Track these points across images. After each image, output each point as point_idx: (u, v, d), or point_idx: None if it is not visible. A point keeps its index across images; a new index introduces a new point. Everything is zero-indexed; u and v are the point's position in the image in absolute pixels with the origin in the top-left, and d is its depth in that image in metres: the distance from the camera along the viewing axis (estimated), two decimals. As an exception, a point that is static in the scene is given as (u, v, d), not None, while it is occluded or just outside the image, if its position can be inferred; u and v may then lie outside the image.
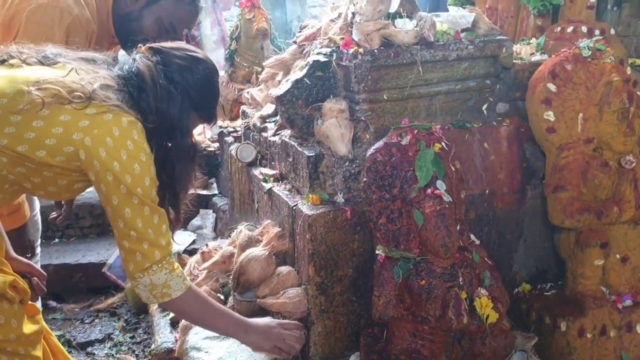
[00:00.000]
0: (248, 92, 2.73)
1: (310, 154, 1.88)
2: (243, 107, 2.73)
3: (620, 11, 2.38)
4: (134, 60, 1.48)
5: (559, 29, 2.21)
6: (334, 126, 1.88)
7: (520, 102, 2.05)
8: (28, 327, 1.45)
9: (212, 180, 3.46)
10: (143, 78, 1.44)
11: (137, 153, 1.38)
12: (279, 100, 2.01)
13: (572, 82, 1.86)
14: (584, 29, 2.14)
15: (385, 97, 1.89)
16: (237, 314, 1.67)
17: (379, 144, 1.74)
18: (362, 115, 1.90)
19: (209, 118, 1.60)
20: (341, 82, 1.97)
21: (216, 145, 3.48)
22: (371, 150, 1.74)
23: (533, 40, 2.25)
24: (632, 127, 1.84)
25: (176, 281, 1.47)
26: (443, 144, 1.74)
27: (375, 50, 1.84)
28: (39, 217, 2.23)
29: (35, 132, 1.34)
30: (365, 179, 1.70)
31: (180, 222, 1.63)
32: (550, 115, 1.87)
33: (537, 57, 2.13)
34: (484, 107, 2.04)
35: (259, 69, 3.47)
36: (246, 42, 3.52)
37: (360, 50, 1.84)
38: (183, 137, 1.50)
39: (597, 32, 2.15)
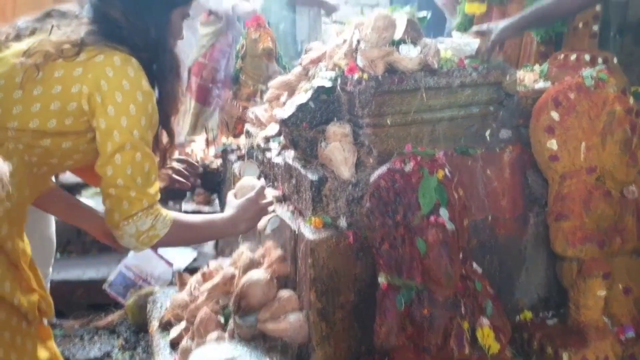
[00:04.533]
0: (252, 112, 2.74)
1: (314, 178, 1.89)
2: (247, 126, 2.74)
3: (623, 39, 2.40)
4: None
5: (562, 56, 2.23)
6: (338, 150, 1.89)
7: (524, 129, 2.06)
8: (43, 353, 1.41)
9: (215, 196, 3.46)
10: (106, 9, 1.41)
11: (133, 92, 1.35)
12: (284, 122, 2.02)
13: (575, 111, 1.87)
14: (587, 57, 2.15)
15: (388, 122, 1.90)
16: (218, 216, 1.64)
17: (382, 169, 1.75)
18: (366, 139, 1.91)
19: (187, 5, 1.52)
20: (345, 106, 1.98)
21: (219, 161, 3.50)
22: (374, 176, 1.74)
23: (537, 67, 2.27)
24: (634, 158, 1.85)
25: (161, 221, 1.41)
26: (446, 170, 1.75)
27: (380, 76, 1.85)
28: (53, 237, 2.18)
29: (39, 101, 1.33)
30: (368, 205, 1.71)
31: (175, 148, 1.61)
32: (553, 144, 1.88)
33: (540, 85, 2.14)
34: (487, 133, 2.04)
35: (264, 87, 3.50)
36: (251, 61, 3.55)
37: (365, 76, 1.86)
38: (167, 51, 1.47)
39: (600, 60, 2.16)
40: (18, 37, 1.45)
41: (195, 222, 1.55)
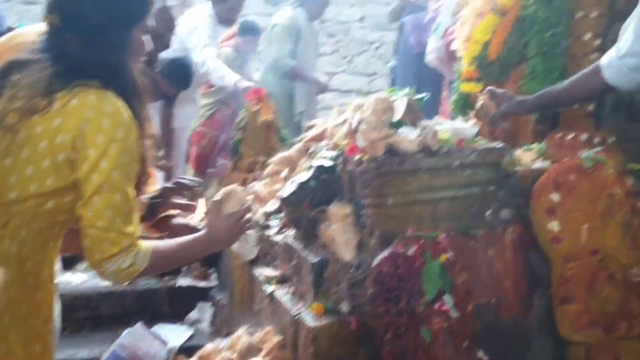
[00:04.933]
0: (252, 187, 2.74)
1: (315, 260, 1.87)
2: (246, 202, 2.74)
3: (617, 116, 2.44)
4: (45, 34, 1.43)
5: (559, 135, 2.25)
6: (340, 231, 1.88)
7: (524, 208, 2.05)
8: None
9: (212, 270, 3.41)
10: (62, 44, 1.39)
11: (113, 130, 1.33)
12: (285, 201, 2.03)
13: (575, 192, 1.88)
14: (584, 137, 2.18)
15: (390, 203, 1.90)
16: (195, 238, 1.56)
17: (385, 254, 1.73)
18: (368, 220, 1.90)
19: (145, 13, 1.48)
20: (346, 185, 1.99)
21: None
22: (377, 260, 1.73)
23: (534, 146, 2.29)
24: (636, 240, 1.84)
25: (141, 257, 1.39)
26: (449, 254, 1.74)
27: (380, 158, 1.87)
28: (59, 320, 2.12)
29: (30, 163, 1.32)
30: (371, 291, 1.68)
31: (148, 175, 1.55)
32: (554, 225, 1.88)
33: (538, 164, 2.16)
34: (488, 213, 2.04)
35: (264, 159, 3.53)
36: (252, 134, 3.59)
37: (366, 157, 1.87)
38: (127, 74, 1.43)
39: (597, 140, 2.19)
40: None
41: (173, 248, 1.52)
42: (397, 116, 1.95)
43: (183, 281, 3.20)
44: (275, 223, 2.36)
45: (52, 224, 1.41)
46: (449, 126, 2.05)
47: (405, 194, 1.92)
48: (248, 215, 1.62)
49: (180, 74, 3.87)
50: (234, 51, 4.91)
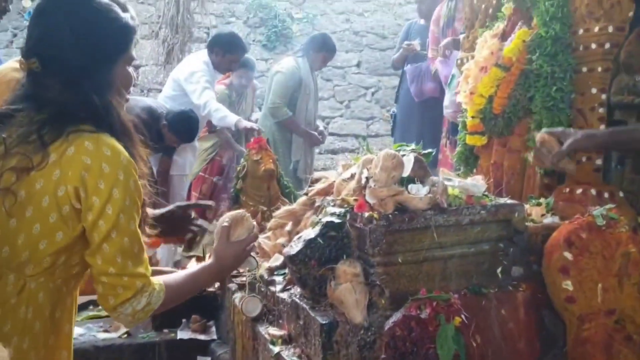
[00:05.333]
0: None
1: (324, 322, 1.82)
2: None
3: (624, 168, 2.43)
4: (24, 79, 1.40)
5: (567, 190, 2.24)
6: (349, 291, 1.83)
7: (535, 265, 2.02)
8: None
9: (211, 323, 3.33)
10: (44, 92, 1.35)
11: (114, 174, 1.31)
12: (291, 259, 1.98)
13: (588, 251, 1.85)
14: (593, 191, 2.16)
15: (400, 261, 1.87)
16: (204, 269, 1.62)
17: (397, 316, 1.68)
18: (377, 279, 1.85)
19: (127, 46, 1.43)
20: (354, 242, 1.95)
21: (216, 284, 3.40)
22: (389, 323, 1.68)
23: (542, 200, 2.27)
24: (653, 301, 1.80)
25: (155, 296, 1.41)
26: (463, 316, 1.69)
27: (390, 215, 1.84)
28: None
29: (36, 221, 1.31)
30: (383, 356, 1.62)
31: (146, 212, 1.53)
32: (568, 285, 1.84)
33: (548, 219, 2.13)
34: (498, 270, 2.00)
35: (264, 208, 3.49)
36: (252, 182, 3.56)
37: (376, 215, 1.84)
38: (114, 113, 1.39)
39: (606, 195, 2.17)
40: None
41: (184, 280, 1.55)
42: (406, 172, 1.93)
43: (182, 334, 3.12)
44: (280, 279, 2.31)
45: (68, 279, 1.40)
46: (457, 182, 2.03)
47: (415, 251, 1.88)
48: (254, 243, 1.70)
49: (187, 127, 3.92)
50: (228, 88, 4.96)
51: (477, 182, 1.97)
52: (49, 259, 1.33)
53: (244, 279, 2.72)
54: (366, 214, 1.86)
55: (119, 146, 1.36)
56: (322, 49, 4.76)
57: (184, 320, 3.26)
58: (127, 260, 1.35)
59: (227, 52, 4.44)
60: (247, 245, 1.67)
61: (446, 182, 1.98)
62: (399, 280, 1.87)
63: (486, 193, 2.04)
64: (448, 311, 1.68)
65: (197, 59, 4.56)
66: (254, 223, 1.78)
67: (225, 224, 1.67)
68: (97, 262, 1.34)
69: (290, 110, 4.61)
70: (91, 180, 1.30)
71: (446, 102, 3.28)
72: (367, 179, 1.95)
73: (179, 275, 1.56)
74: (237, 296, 2.64)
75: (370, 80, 8.15)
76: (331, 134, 7.54)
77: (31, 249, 1.32)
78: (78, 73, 1.36)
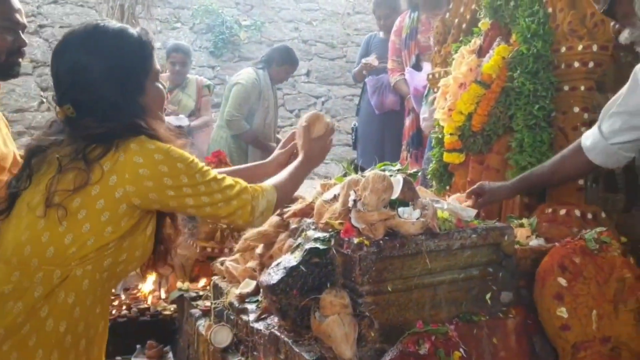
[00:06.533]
0: (221, 264, 2.52)
1: (311, 358, 1.67)
2: (215, 280, 2.51)
3: (598, 187, 2.42)
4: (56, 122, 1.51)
5: (550, 210, 2.19)
6: (337, 324, 1.69)
7: (524, 290, 1.96)
8: None
9: (168, 348, 3.11)
10: (79, 130, 1.42)
11: (167, 156, 1.41)
12: (271, 289, 1.82)
13: (582, 276, 1.79)
14: (577, 212, 2.12)
15: (390, 289, 1.75)
16: (297, 164, 1.82)
17: (394, 352, 1.56)
18: (366, 309, 1.73)
19: (151, 63, 1.52)
20: (339, 268, 1.82)
21: (173, 307, 3.19)
22: (386, 361, 1.55)
23: (525, 221, 2.21)
24: (649, 327, 1.76)
25: (270, 193, 1.61)
26: (461, 350, 1.59)
27: (381, 241, 1.72)
28: None
29: (86, 221, 1.37)
30: (383, 399, 1.50)
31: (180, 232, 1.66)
32: (563, 312, 1.77)
33: (534, 242, 2.07)
34: (488, 296, 1.92)
35: (224, 226, 3.30)
36: (211, 199, 3.36)
37: (366, 241, 1.72)
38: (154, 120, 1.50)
39: (589, 215, 2.14)
40: (15, 195, 1.47)
41: (287, 178, 1.74)
42: (395, 194, 1.82)
43: (137, 363, 2.89)
44: (252, 307, 2.15)
45: (112, 276, 1.47)
46: (445, 205, 1.93)
47: (405, 278, 1.78)
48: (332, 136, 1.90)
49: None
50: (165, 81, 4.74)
51: (466, 208, 1.88)
52: (94, 254, 1.40)
53: (208, 304, 2.54)
54: (355, 240, 1.73)
55: (158, 141, 1.45)
56: (285, 62, 4.60)
57: (138, 346, 3.04)
58: (224, 197, 1.50)
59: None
60: (327, 138, 1.88)
61: (435, 204, 1.89)
62: (388, 310, 1.76)
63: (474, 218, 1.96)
64: (447, 345, 1.58)
65: None
66: (329, 120, 1.95)
67: (304, 123, 1.87)
68: (210, 215, 1.52)
69: (247, 123, 4.42)
70: (151, 171, 1.39)
71: (425, 114, 3.20)
72: (355, 201, 1.83)
73: (281, 175, 1.75)
74: (202, 324, 2.45)
75: (320, 89, 8.06)
76: (281, 144, 7.40)
77: (78, 246, 1.38)
78: (112, 108, 1.44)
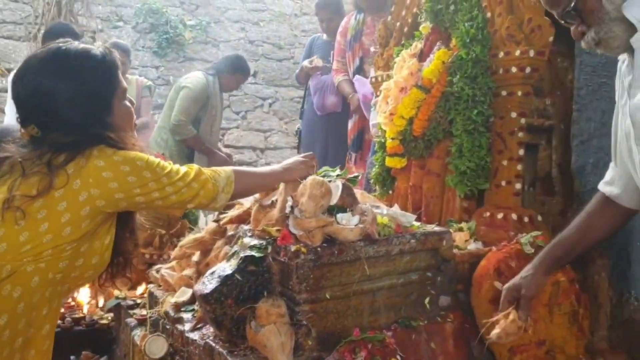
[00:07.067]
0: (157, 271, 2.43)
1: (248, 370, 1.62)
2: (151, 288, 2.42)
3: (535, 191, 2.46)
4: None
5: (488, 214, 2.20)
6: (273, 334, 1.65)
7: (462, 294, 1.96)
8: None
9: (104, 359, 2.99)
10: (44, 146, 1.44)
11: (128, 159, 1.45)
12: (205, 299, 1.76)
13: (518, 280, 1.80)
14: (514, 216, 2.14)
15: (327, 296, 1.72)
16: (270, 167, 1.86)
17: (330, 362, 1.53)
18: (303, 317, 1.69)
19: (116, 82, 1.55)
20: (276, 276, 1.78)
21: (110, 315, 3.06)
22: (322, 371, 1.51)
23: (463, 224, 2.22)
24: (582, 330, 1.79)
25: (225, 174, 1.64)
26: (398, 357, 1.57)
27: (319, 249, 1.69)
28: None
29: (45, 221, 1.37)
30: (318, 410, 1.46)
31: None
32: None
33: (472, 245, 2.08)
34: (427, 300, 1.92)
35: (163, 232, 3.20)
36: (149, 203, 3.25)
37: (304, 249, 1.68)
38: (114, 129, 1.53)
39: (526, 219, 2.16)
40: None
41: (251, 170, 1.80)
42: (334, 200, 1.79)
43: (70, 375, 2.76)
44: (188, 316, 2.07)
45: (66, 279, 1.45)
46: (385, 210, 1.92)
47: (343, 285, 1.75)
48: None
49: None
50: None
51: (406, 214, 1.87)
52: (50, 252, 1.39)
53: (144, 313, 2.45)
54: (292, 248, 1.69)
55: (110, 155, 1.46)
56: (237, 71, 4.48)
57: (72, 357, 2.91)
58: (185, 180, 1.54)
59: None
60: (310, 166, 1.87)
61: (375, 210, 1.86)
62: (326, 318, 1.73)
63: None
64: (384, 352, 1.56)
65: None
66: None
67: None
68: (176, 201, 1.55)
69: (194, 128, 4.28)
70: (114, 173, 1.42)
71: (374, 120, 3.18)
72: (292, 208, 1.79)
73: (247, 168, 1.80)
74: (138, 333, 2.36)
75: (267, 91, 7.97)
76: (227, 146, 7.26)
77: (34, 243, 1.38)
78: (75, 128, 1.45)
